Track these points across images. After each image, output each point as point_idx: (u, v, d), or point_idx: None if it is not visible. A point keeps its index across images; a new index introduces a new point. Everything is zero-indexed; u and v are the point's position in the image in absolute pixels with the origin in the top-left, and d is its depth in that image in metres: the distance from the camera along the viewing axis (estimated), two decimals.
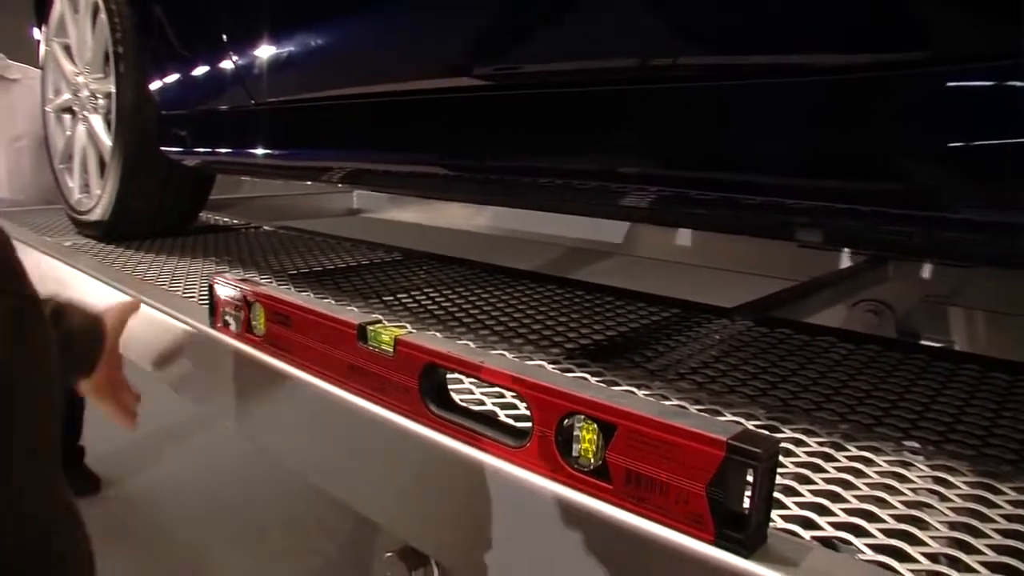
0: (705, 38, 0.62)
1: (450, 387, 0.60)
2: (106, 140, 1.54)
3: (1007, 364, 0.80)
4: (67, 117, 1.77)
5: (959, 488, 0.53)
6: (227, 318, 0.84)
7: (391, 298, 1.10)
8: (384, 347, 0.62)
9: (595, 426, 0.46)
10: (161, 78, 1.38)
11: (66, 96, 1.73)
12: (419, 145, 1.02)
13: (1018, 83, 0.44)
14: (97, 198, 1.58)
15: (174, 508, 2.72)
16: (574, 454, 0.48)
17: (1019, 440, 0.61)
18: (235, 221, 2.01)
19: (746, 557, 0.40)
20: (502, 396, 0.69)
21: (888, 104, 0.50)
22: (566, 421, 0.48)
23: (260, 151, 1.18)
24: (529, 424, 0.51)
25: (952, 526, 0.47)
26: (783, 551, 0.41)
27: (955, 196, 0.49)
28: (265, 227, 1.89)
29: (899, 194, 0.53)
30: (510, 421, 0.62)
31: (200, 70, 1.28)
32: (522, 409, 0.64)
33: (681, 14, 0.63)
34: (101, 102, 1.58)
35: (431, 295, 1.12)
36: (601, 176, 0.78)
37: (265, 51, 1.10)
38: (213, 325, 0.87)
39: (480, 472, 0.53)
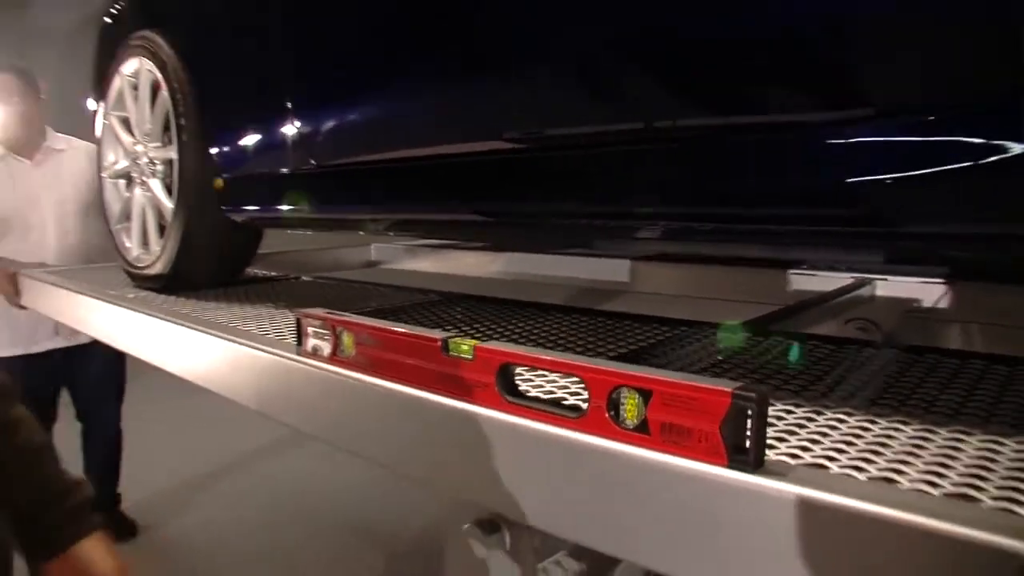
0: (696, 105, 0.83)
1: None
2: (166, 202, 1.75)
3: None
4: (122, 182, 1.99)
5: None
6: (314, 345, 1.04)
7: (440, 331, 1.30)
8: (464, 354, 0.82)
9: (636, 394, 0.66)
10: (222, 145, 1.60)
11: (124, 164, 1.95)
12: (457, 197, 1.23)
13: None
14: (156, 255, 1.79)
15: (208, 550, 2.87)
16: (621, 417, 0.67)
17: None
18: (273, 272, 2.22)
19: (751, 474, 0.59)
20: (555, 385, 0.88)
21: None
22: (613, 394, 0.68)
23: (321, 207, 1.40)
24: (583, 402, 0.70)
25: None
26: (779, 469, 0.60)
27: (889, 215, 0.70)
28: (304, 277, 2.10)
29: (854, 217, 0.74)
30: (569, 400, 0.81)
31: (262, 137, 1.50)
32: (572, 391, 0.83)
33: (661, 92, 0.84)
34: (160, 168, 1.79)
35: (474, 326, 1.32)
36: (605, 216, 0.99)
37: (329, 120, 1.32)
38: (300, 352, 1.06)
39: (551, 442, 0.72)
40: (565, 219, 1.13)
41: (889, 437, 0.72)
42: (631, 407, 0.66)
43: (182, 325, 1.36)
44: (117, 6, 2.00)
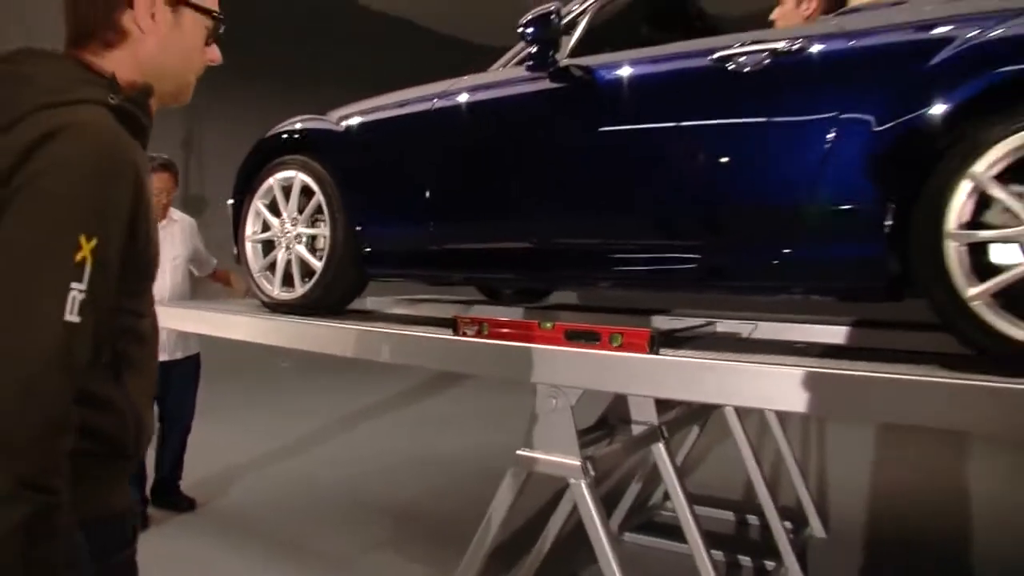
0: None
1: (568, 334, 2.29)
2: (313, 261, 3.12)
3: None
4: (260, 246, 3.34)
5: None
6: (464, 331, 2.49)
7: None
8: (550, 327, 2.30)
9: (619, 336, 2.17)
10: (366, 230, 3.01)
11: (267, 234, 3.30)
12: (516, 268, 2.75)
13: None
14: (301, 293, 3.15)
15: (258, 522, 4.15)
16: (615, 344, 2.17)
17: None
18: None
19: (656, 354, 2.10)
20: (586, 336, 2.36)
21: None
22: (611, 336, 2.18)
23: (439, 272, 2.86)
24: (597, 340, 2.20)
25: None
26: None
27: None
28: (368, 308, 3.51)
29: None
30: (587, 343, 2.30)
31: (400, 223, 2.94)
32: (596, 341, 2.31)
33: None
34: (305, 239, 3.17)
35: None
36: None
37: (457, 213, 2.80)
38: (458, 335, 2.50)
39: (596, 359, 2.21)
40: (540, 277, 2.65)
41: None
42: (616, 338, 2.17)
43: (374, 328, 2.77)
44: (264, 140, 3.38)
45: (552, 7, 2.56)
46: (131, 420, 1.22)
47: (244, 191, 3.41)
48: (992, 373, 1.73)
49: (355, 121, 3.15)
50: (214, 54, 1.36)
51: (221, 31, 1.34)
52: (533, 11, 2.55)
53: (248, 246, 3.39)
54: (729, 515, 4.15)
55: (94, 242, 1.06)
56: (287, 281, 3.24)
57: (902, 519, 4.20)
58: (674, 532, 3.65)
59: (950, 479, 4.89)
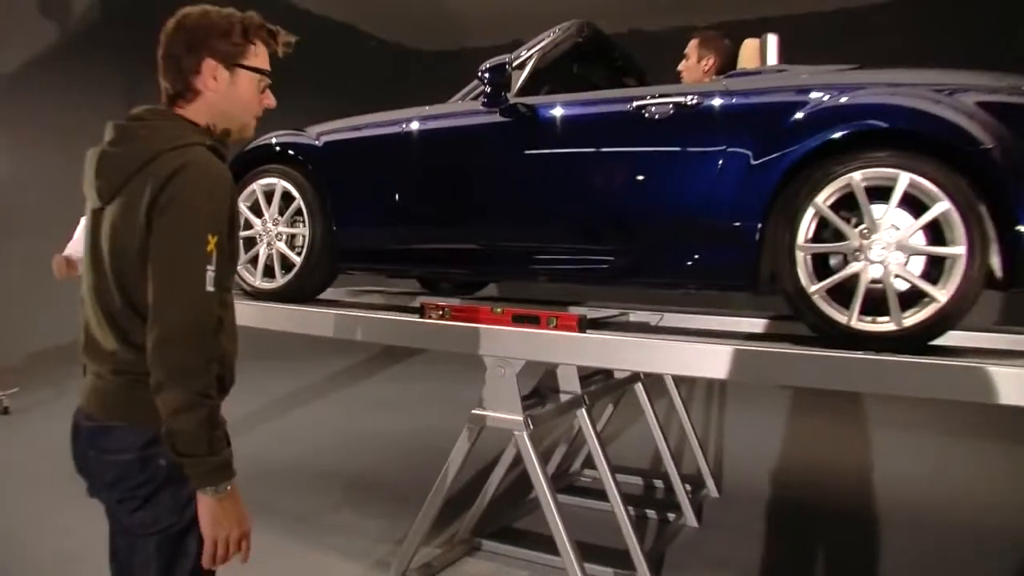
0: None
1: (515, 318, 2.95)
2: (292, 256, 3.69)
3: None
4: (241, 243, 3.89)
5: None
6: (431, 315, 3.12)
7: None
8: (499, 312, 2.96)
9: (554, 319, 2.84)
10: (341, 227, 3.60)
11: (248, 232, 3.84)
12: (468, 264, 3.41)
13: None
14: (279, 283, 3.72)
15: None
16: (552, 325, 2.84)
17: None
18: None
19: (584, 333, 2.78)
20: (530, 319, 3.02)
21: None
22: (548, 319, 2.85)
23: (392, 265, 3.49)
24: (537, 323, 2.86)
25: None
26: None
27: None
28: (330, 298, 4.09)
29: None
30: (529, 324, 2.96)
31: (371, 225, 3.55)
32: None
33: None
34: (285, 238, 3.74)
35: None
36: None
37: (420, 218, 3.43)
38: (425, 317, 3.14)
39: (538, 336, 2.88)
40: (487, 273, 3.32)
41: None
42: (552, 321, 2.84)
43: (352, 313, 3.37)
44: (247, 151, 3.93)
45: (506, 58, 3.22)
46: (228, 364, 1.82)
47: None
48: (826, 348, 2.49)
49: (333, 137, 3.74)
50: (269, 100, 1.94)
51: (270, 83, 1.91)
52: (491, 60, 3.20)
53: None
54: (638, 480, 4.87)
55: (216, 238, 1.67)
56: (268, 273, 3.81)
57: (783, 484, 4.99)
58: (592, 493, 4.38)
59: (832, 453, 5.72)
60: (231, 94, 1.81)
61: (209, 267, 1.65)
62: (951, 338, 2.76)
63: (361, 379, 8.18)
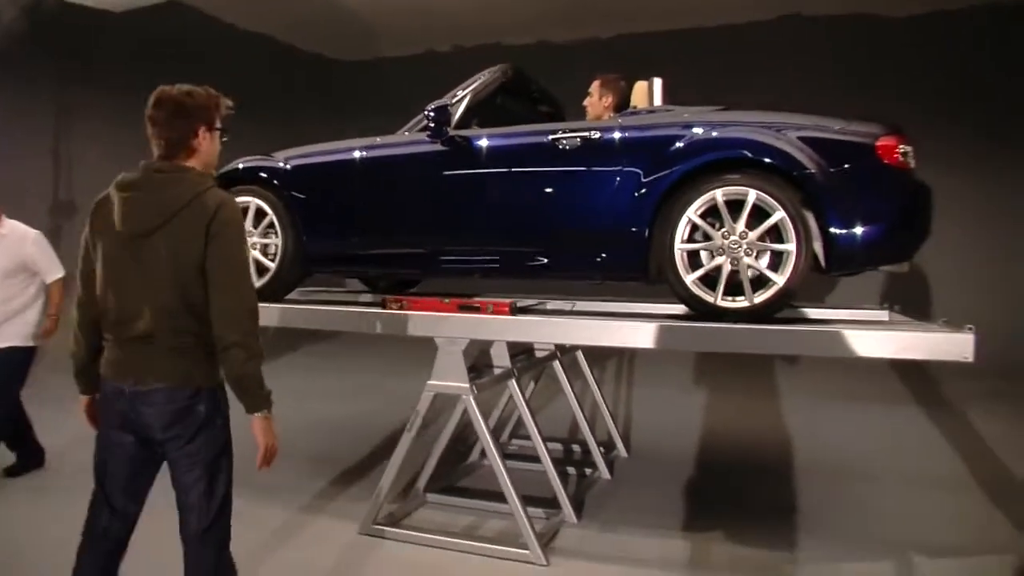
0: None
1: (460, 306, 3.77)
2: (265, 261, 4.42)
3: None
4: None
5: None
6: (391, 306, 3.92)
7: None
8: (447, 302, 3.79)
9: (492, 305, 3.68)
10: (310, 239, 4.35)
11: None
12: (415, 266, 4.23)
13: None
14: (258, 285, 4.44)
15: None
16: (489, 311, 3.68)
17: None
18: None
19: (515, 315, 3.63)
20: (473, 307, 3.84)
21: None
22: (486, 306, 3.69)
23: (358, 267, 4.27)
24: (478, 310, 3.69)
25: None
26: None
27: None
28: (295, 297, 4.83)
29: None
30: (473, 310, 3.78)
31: (335, 235, 4.32)
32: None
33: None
34: (259, 247, 4.46)
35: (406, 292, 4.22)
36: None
37: (375, 229, 4.22)
38: (385, 307, 3.93)
39: (479, 320, 3.71)
40: (430, 272, 4.16)
41: None
42: (489, 307, 3.68)
43: (318, 307, 4.13)
44: (219, 174, 4.63)
45: (447, 100, 4.05)
46: None
47: None
48: (699, 321, 3.41)
49: (299, 162, 4.50)
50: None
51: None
52: (436, 101, 4.02)
53: None
54: (559, 446, 5.74)
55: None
56: None
57: (681, 445, 5.93)
58: (520, 459, 5.22)
59: (725, 420, 6.71)
60: (211, 146, 2.62)
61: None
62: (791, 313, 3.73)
63: (299, 372, 8.84)
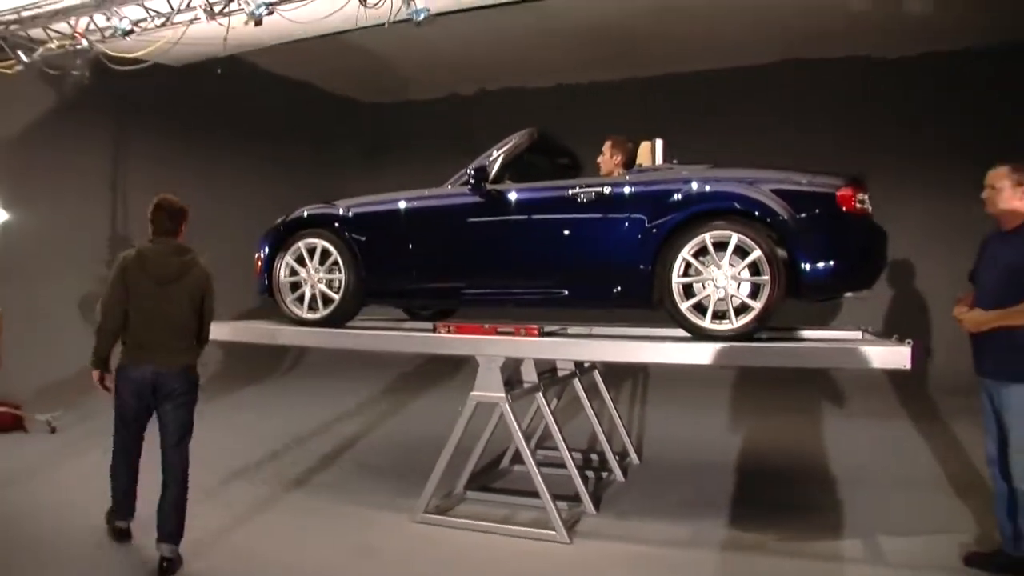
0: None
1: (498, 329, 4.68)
2: (330, 293, 5.35)
3: None
4: (290, 285, 5.52)
5: None
6: (441, 331, 4.84)
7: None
8: (487, 327, 4.70)
9: (524, 329, 4.59)
10: (370, 274, 5.28)
11: (295, 278, 5.49)
12: (458, 299, 5.17)
13: None
14: (322, 313, 5.37)
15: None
16: (522, 334, 4.59)
17: None
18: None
19: (543, 337, 4.54)
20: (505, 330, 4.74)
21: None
22: (519, 330, 4.60)
23: (409, 299, 5.22)
24: (512, 331, 4.60)
25: None
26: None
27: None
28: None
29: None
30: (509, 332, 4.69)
31: (391, 272, 5.25)
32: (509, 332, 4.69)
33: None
34: (324, 281, 5.39)
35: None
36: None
37: (426, 267, 5.15)
38: (436, 331, 4.85)
39: (513, 341, 4.62)
40: (472, 303, 5.08)
41: None
42: (522, 331, 4.59)
43: (382, 332, 5.06)
44: (289, 220, 5.58)
45: (486, 160, 4.99)
46: None
47: (275, 251, 5.59)
48: (691, 341, 4.31)
49: (359, 210, 5.45)
50: None
51: None
52: (476, 162, 4.97)
53: (281, 285, 5.57)
54: (578, 454, 6.58)
55: None
56: (311, 307, 5.46)
57: (687, 455, 6.78)
58: (543, 466, 6.07)
59: (729, 435, 7.53)
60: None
61: None
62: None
63: (331, 397, 9.76)
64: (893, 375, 8.85)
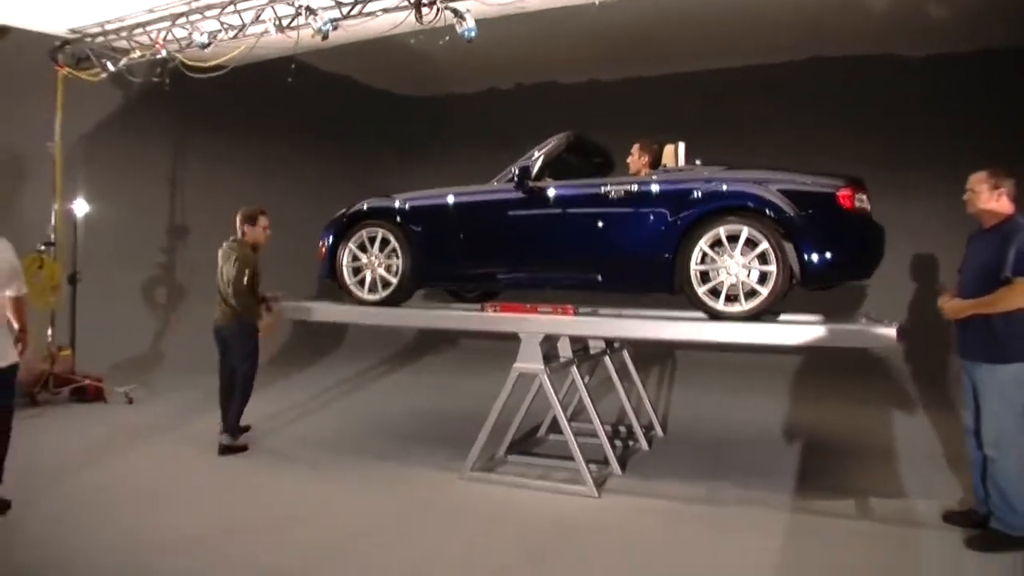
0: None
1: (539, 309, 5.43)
2: (389, 277, 6.13)
3: None
4: (351, 269, 6.31)
5: None
6: (488, 310, 5.60)
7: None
8: (528, 306, 5.45)
9: (561, 308, 5.33)
10: (426, 260, 6.05)
11: (356, 263, 6.27)
12: (505, 283, 5.93)
13: None
14: (380, 296, 6.15)
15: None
16: (559, 312, 5.34)
17: None
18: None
19: (577, 315, 5.28)
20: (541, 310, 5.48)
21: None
22: (557, 309, 5.34)
23: (459, 283, 6.01)
24: (549, 311, 5.35)
25: None
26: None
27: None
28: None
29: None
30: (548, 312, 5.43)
31: (443, 258, 6.02)
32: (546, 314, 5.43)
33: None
34: (383, 266, 6.17)
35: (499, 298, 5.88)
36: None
37: (475, 254, 5.93)
38: (483, 311, 5.61)
39: (552, 319, 5.37)
40: (516, 286, 5.84)
41: None
42: (559, 310, 5.34)
43: (436, 311, 5.84)
44: (351, 212, 6.36)
45: (529, 161, 5.73)
46: None
47: (338, 240, 6.38)
48: (707, 321, 5.04)
49: (414, 203, 6.22)
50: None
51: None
52: (521, 161, 5.71)
53: (344, 270, 6.36)
54: (607, 427, 7.29)
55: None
56: (372, 289, 6.25)
57: (708, 428, 7.49)
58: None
59: (747, 412, 8.22)
60: (259, 233, 5.21)
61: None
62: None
63: (379, 370, 10.56)
64: (908, 365, 9.55)
